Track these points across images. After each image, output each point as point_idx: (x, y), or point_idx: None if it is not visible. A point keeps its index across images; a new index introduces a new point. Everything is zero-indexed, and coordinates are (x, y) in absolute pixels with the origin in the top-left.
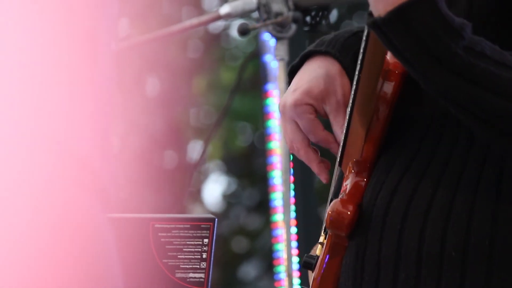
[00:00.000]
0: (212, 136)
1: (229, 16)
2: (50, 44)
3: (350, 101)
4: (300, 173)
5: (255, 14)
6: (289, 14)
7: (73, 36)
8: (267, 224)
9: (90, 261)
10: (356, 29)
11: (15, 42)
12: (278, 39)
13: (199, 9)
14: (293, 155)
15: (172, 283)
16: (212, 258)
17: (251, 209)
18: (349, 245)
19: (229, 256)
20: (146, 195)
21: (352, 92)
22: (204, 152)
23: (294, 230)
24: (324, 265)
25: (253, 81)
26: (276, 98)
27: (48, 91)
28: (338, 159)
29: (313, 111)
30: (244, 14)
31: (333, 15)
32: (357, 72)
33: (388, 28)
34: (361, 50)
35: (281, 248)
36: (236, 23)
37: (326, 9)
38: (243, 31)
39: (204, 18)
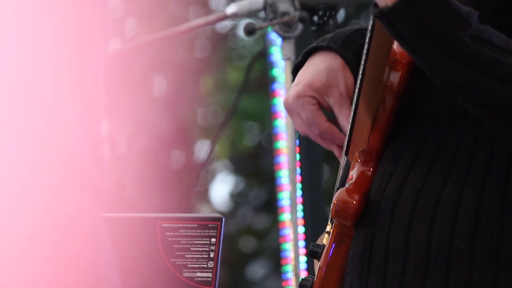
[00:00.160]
0: (219, 135)
1: (235, 16)
2: (41, 46)
3: (356, 91)
4: (308, 172)
5: (262, 14)
6: (295, 14)
7: (64, 39)
8: (275, 224)
9: (85, 260)
10: (358, 27)
11: (4, 45)
12: (284, 38)
13: (206, 9)
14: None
15: (179, 282)
16: (219, 258)
17: (258, 208)
18: (355, 235)
19: (236, 255)
20: (153, 194)
21: (358, 82)
22: (211, 151)
23: (301, 229)
24: (330, 254)
25: (260, 81)
26: (283, 98)
27: (39, 92)
28: (344, 149)
29: (316, 103)
30: (251, 13)
31: (340, 14)
32: (362, 62)
33: (395, 17)
34: (367, 40)
35: (288, 248)
36: (243, 23)
37: (333, 9)
38: (249, 31)
39: (211, 17)
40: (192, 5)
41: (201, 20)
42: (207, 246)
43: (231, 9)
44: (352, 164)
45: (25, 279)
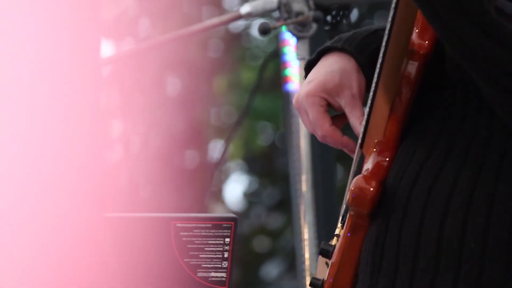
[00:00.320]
0: (233, 135)
1: (249, 16)
2: (42, 50)
3: (374, 81)
4: (321, 172)
5: (276, 14)
6: (309, 14)
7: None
8: (288, 223)
9: (86, 260)
10: (376, 27)
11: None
12: (299, 38)
13: (219, 9)
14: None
15: (193, 282)
16: (233, 258)
17: (272, 208)
18: (369, 229)
19: (250, 255)
20: (167, 194)
21: (377, 72)
22: (225, 151)
23: (315, 229)
24: (345, 246)
25: (273, 81)
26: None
27: (42, 95)
28: (359, 141)
29: (324, 104)
30: (265, 13)
31: (354, 14)
32: (381, 54)
33: None
34: (387, 29)
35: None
36: (256, 23)
37: (347, 9)
38: (263, 31)
39: (224, 17)
40: (206, 5)
41: (215, 20)
42: (221, 246)
43: (245, 8)
44: (366, 157)
45: (26, 279)
